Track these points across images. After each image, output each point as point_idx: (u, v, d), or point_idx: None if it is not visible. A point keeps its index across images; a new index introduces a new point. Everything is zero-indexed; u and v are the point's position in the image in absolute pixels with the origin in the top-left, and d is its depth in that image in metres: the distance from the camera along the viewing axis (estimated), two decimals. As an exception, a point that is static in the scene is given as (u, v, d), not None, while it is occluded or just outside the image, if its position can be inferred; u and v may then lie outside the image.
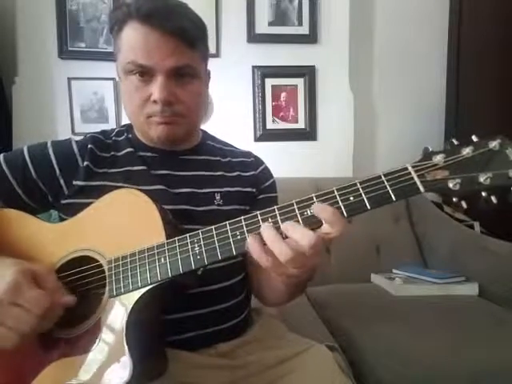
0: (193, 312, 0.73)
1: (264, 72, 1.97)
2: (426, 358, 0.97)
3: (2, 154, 0.76)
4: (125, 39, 0.71)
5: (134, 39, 0.70)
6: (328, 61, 1.99)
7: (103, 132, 0.84)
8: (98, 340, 0.58)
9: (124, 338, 0.56)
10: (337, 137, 2.02)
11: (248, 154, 0.90)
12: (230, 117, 1.89)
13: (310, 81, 1.99)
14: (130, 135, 0.83)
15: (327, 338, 1.03)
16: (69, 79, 1.86)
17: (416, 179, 0.51)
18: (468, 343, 1.02)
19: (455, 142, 0.52)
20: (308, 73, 1.99)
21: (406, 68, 2.14)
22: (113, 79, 1.88)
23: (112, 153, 0.79)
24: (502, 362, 0.96)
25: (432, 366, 0.95)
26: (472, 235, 1.64)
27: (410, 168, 0.52)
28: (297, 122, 2.01)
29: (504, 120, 1.89)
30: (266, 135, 1.98)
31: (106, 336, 0.58)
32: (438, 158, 0.51)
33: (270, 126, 1.99)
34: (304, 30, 1.96)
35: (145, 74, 0.71)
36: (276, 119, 2.00)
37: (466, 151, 0.50)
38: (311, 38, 1.96)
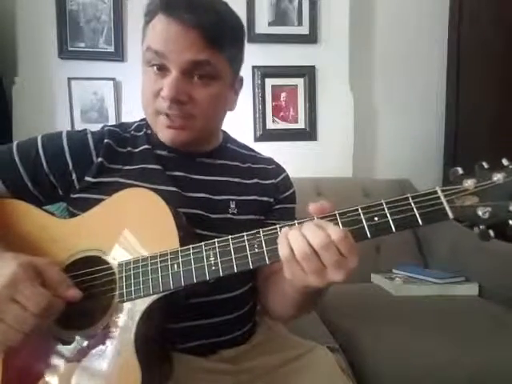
0: (199, 321, 0.71)
1: (264, 72, 1.97)
2: (426, 358, 0.97)
3: (16, 142, 0.74)
4: (149, 30, 0.69)
5: (155, 30, 0.68)
6: (328, 61, 1.99)
7: (121, 125, 0.81)
8: (106, 345, 0.57)
9: (133, 343, 0.55)
10: (337, 137, 2.02)
11: (269, 161, 0.87)
12: (230, 117, 1.88)
13: (310, 81, 1.99)
14: (149, 131, 0.79)
15: (328, 339, 1.04)
16: (69, 79, 1.86)
17: (445, 204, 0.49)
18: (468, 343, 1.02)
19: (485, 166, 0.49)
20: (308, 73, 1.99)
21: (406, 68, 2.14)
22: (113, 79, 1.88)
23: (128, 148, 0.76)
24: (501, 362, 0.96)
25: (432, 366, 0.95)
26: (472, 235, 1.62)
27: (439, 192, 0.50)
28: (297, 121, 2.00)
29: (504, 120, 1.89)
30: (266, 135, 1.98)
31: (115, 341, 0.57)
32: (469, 183, 0.49)
33: (270, 125, 1.99)
34: (304, 30, 1.96)
35: (162, 68, 0.68)
36: (276, 119, 2.00)
37: (498, 177, 0.48)
38: (311, 37, 1.96)
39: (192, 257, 0.57)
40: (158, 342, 0.62)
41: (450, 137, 2.13)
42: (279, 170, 0.87)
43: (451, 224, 1.68)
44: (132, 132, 0.80)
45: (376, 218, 0.51)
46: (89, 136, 0.75)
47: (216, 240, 0.56)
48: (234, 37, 0.73)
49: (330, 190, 1.72)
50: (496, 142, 1.80)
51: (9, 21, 1.83)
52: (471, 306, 1.30)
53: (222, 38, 0.68)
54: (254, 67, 1.95)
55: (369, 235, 0.51)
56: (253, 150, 0.89)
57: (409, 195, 0.50)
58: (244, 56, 0.78)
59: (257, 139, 1.97)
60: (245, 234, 0.55)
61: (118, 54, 1.87)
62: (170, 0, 0.67)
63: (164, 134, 0.72)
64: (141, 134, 0.79)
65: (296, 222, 0.53)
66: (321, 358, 0.75)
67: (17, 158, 0.71)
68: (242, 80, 0.81)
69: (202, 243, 0.57)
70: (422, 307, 1.28)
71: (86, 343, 0.59)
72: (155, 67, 0.68)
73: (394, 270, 1.60)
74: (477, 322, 1.17)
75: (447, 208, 0.49)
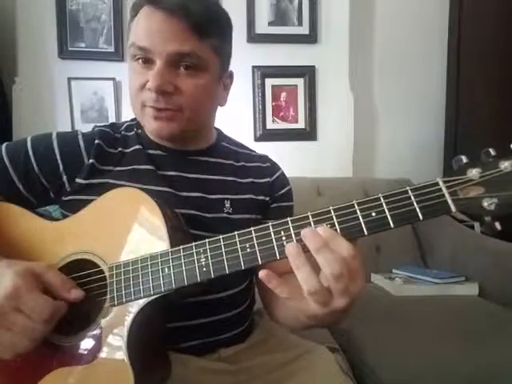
0: (196, 321, 0.71)
1: (264, 72, 1.97)
2: (426, 358, 0.97)
3: (4, 144, 0.72)
4: (134, 25, 0.68)
5: (139, 23, 0.67)
6: (328, 61, 1.99)
7: (112, 125, 0.80)
8: (98, 350, 0.56)
9: (125, 348, 0.54)
10: (337, 137, 2.02)
11: (264, 159, 0.85)
12: (230, 117, 1.88)
13: (310, 81, 1.99)
14: (140, 130, 0.78)
15: (328, 339, 1.03)
16: (69, 79, 1.86)
17: (447, 197, 0.45)
18: (468, 343, 1.02)
19: (492, 153, 0.44)
20: (308, 73, 1.99)
21: (406, 68, 2.14)
22: (113, 79, 1.88)
23: (119, 149, 0.75)
24: (502, 362, 0.96)
25: (432, 366, 0.95)
26: (472, 235, 1.64)
27: (440, 183, 0.45)
28: (297, 121, 2.00)
29: (504, 120, 1.89)
30: (266, 135, 1.98)
31: (107, 346, 0.56)
32: (474, 173, 0.44)
33: (269, 125, 1.99)
34: (304, 29, 1.96)
35: (147, 60, 0.66)
36: (276, 119, 2.00)
37: (505, 165, 0.43)
38: (311, 38, 1.97)
39: (183, 258, 0.55)
40: (152, 346, 0.61)
41: (450, 136, 2.13)
42: (274, 167, 0.85)
43: (452, 224, 1.69)
44: (122, 132, 0.78)
45: (373, 214, 0.47)
46: (79, 137, 0.74)
47: (207, 240, 0.54)
48: (220, 27, 0.71)
49: (329, 190, 1.71)
50: (496, 142, 1.80)
51: (9, 21, 1.83)
52: (471, 306, 1.29)
53: (207, 26, 0.66)
54: (254, 67, 1.96)
55: (365, 232, 0.47)
56: (247, 148, 0.87)
57: (408, 188, 0.47)
58: (232, 51, 0.76)
59: (257, 139, 1.97)
60: (236, 233, 0.53)
61: (118, 54, 1.88)
62: None
63: (151, 126, 0.70)
64: (131, 133, 0.78)
65: (289, 219, 0.51)
66: (321, 357, 0.74)
67: (7, 161, 0.70)
68: (231, 75, 0.79)
69: (193, 244, 0.55)
70: (421, 307, 1.28)
71: (77, 347, 0.58)
72: (140, 60, 0.67)
73: (393, 270, 1.59)
74: (477, 321, 1.17)
75: (449, 201, 0.44)
